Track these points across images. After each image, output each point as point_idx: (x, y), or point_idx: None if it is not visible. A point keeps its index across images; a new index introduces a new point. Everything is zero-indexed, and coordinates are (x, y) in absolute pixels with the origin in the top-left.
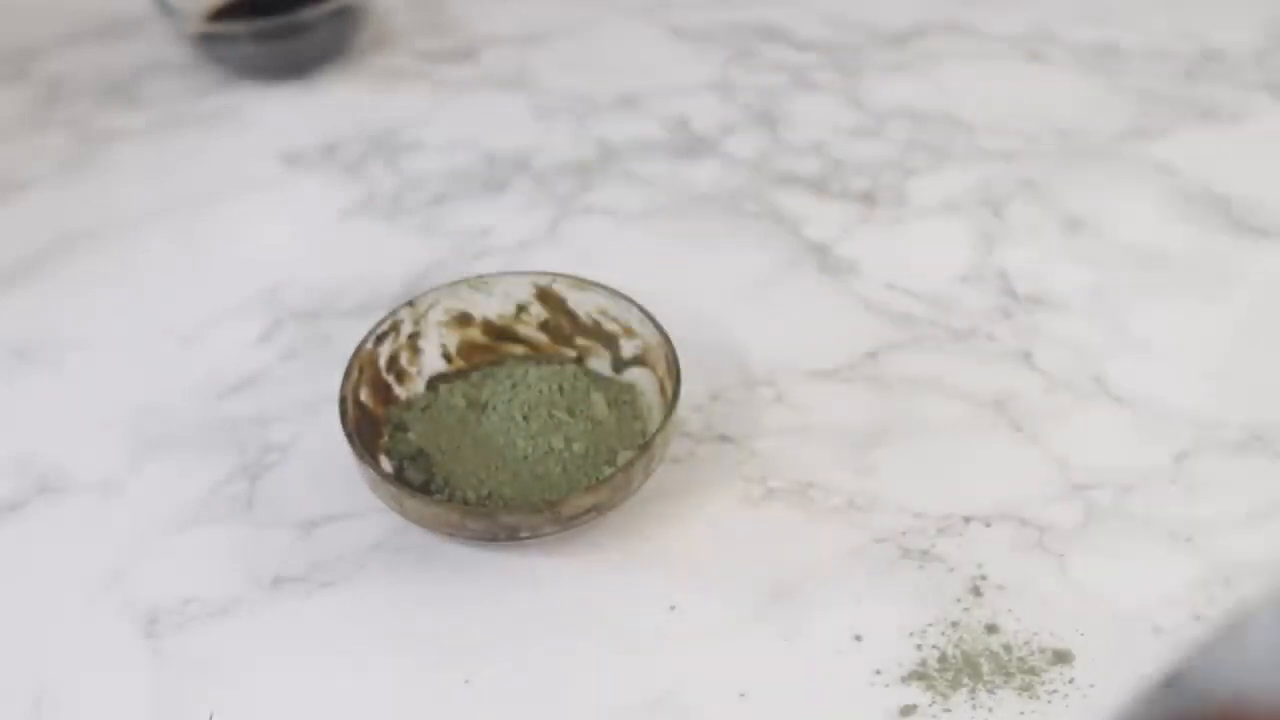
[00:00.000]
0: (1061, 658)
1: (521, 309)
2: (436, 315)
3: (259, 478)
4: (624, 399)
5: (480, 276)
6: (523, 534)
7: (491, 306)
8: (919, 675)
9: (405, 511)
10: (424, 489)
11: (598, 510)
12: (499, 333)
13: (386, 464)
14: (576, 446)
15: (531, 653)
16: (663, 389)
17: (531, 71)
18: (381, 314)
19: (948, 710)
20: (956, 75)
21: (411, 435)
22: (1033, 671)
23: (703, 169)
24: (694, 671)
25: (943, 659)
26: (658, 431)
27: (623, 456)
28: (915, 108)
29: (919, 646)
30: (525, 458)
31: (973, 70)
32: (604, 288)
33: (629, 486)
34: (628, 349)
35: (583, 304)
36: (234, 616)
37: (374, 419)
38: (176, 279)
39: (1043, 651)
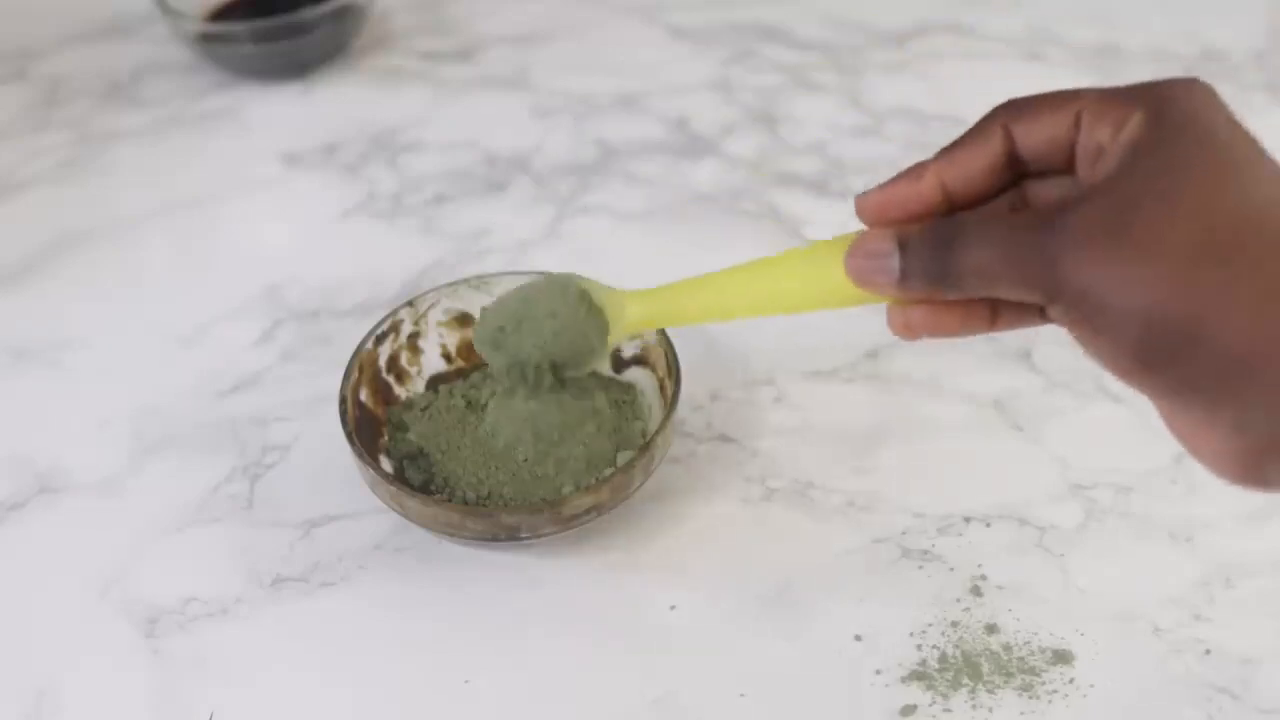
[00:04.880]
0: (1061, 658)
1: None
2: (436, 315)
3: (259, 478)
4: (624, 399)
5: (480, 276)
6: (523, 534)
7: None
8: (919, 675)
9: (405, 511)
10: (424, 489)
11: (598, 510)
12: None
13: (386, 464)
14: (577, 447)
15: (531, 653)
16: (663, 389)
17: (531, 71)
18: (381, 314)
19: (948, 710)
20: (956, 75)
21: (411, 435)
22: (1033, 671)
23: (703, 169)
24: (694, 671)
25: (943, 659)
26: (658, 431)
27: (623, 456)
28: (915, 108)
29: (919, 646)
30: (525, 458)
31: (973, 70)
32: None
33: (629, 486)
34: (628, 349)
35: None
36: (234, 616)
37: (374, 419)
38: (176, 279)
39: (1043, 651)
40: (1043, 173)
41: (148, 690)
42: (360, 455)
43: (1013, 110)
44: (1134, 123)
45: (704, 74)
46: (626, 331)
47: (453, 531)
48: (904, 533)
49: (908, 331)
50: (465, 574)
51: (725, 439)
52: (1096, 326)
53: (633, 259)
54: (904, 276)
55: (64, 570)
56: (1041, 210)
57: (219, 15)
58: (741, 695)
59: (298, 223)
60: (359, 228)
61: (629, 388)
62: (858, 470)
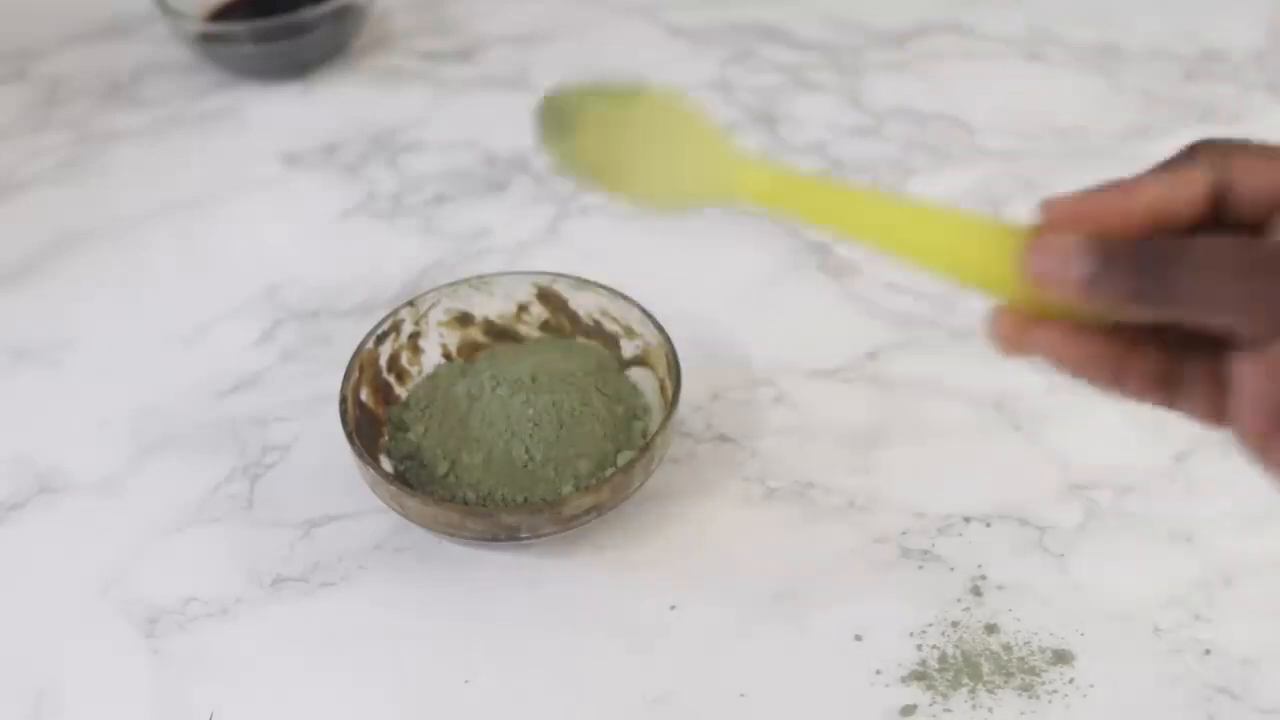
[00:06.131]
0: (1061, 658)
1: (522, 309)
2: (437, 315)
3: (259, 478)
4: (624, 399)
5: (481, 276)
6: (523, 534)
7: (492, 306)
8: (919, 675)
9: (405, 511)
10: (424, 489)
11: (598, 510)
12: (499, 333)
13: (386, 464)
14: (577, 447)
15: (531, 653)
16: (663, 389)
17: (531, 71)
18: (381, 314)
19: (948, 710)
20: (956, 75)
21: (411, 435)
22: (1033, 671)
23: None
24: (694, 671)
25: (943, 659)
26: (658, 431)
27: (623, 456)
28: (915, 108)
29: (919, 646)
30: (525, 459)
31: (973, 70)
32: (604, 288)
33: (629, 486)
34: (628, 349)
35: (583, 304)
36: (234, 616)
37: (374, 419)
38: (176, 279)
39: (1043, 651)
40: (1229, 223)
41: (148, 690)
42: (360, 455)
43: (1222, 149)
44: None
45: (704, 74)
46: (732, 195)
47: (453, 531)
48: (904, 533)
49: (1011, 345)
50: (465, 574)
51: (725, 439)
52: None
53: (633, 259)
54: (1093, 283)
55: (64, 570)
56: None
57: (219, 15)
58: (741, 695)
59: (298, 223)
60: (359, 228)
61: (629, 388)
62: (858, 470)
